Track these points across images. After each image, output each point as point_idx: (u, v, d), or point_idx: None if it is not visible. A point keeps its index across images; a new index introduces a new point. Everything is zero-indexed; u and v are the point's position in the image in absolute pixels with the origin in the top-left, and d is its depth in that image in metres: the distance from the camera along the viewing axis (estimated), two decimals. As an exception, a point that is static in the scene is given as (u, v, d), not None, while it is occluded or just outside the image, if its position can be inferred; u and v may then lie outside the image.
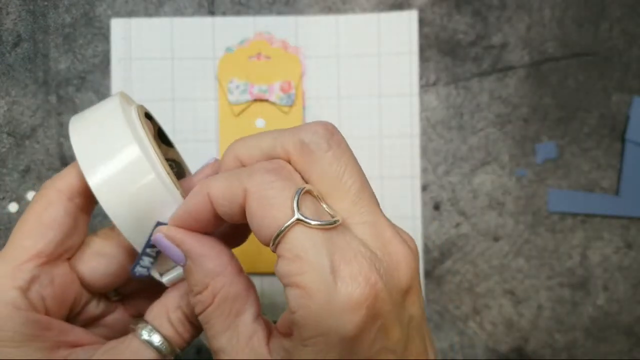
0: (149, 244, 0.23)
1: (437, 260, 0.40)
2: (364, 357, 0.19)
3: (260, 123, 0.39)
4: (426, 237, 0.40)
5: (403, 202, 0.39)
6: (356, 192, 0.21)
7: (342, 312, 0.18)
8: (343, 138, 0.22)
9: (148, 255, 0.23)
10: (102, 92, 0.39)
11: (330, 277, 0.19)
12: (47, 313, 0.24)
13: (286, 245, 0.19)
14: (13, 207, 0.39)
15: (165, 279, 0.24)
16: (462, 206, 0.40)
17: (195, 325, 0.24)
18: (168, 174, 0.23)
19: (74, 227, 0.25)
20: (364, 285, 0.18)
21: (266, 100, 0.39)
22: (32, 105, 0.39)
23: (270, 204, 0.20)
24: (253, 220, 0.20)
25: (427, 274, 0.39)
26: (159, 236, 0.22)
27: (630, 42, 0.40)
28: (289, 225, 0.19)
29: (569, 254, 0.40)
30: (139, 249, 0.23)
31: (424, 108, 0.40)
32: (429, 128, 0.40)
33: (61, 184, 0.25)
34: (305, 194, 0.20)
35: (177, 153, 0.30)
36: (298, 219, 0.19)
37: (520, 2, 0.40)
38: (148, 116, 0.27)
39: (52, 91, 0.39)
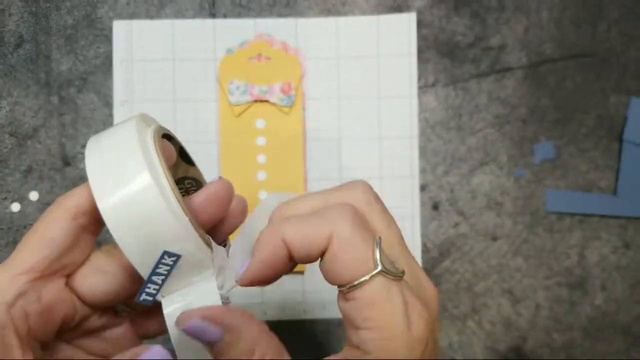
0: (155, 271, 0.23)
1: (436, 259, 0.40)
2: None
3: (260, 124, 0.39)
4: (425, 236, 0.40)
5: (402, 202, 0.40)
6: (399, 241, 0.24)
7: (415, 346, 0.22)
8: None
9: (154, 282, 0.23)
10: (103, 93, 0.40)
11: (405, 320, 0.22)
12: (30, 330, 0.24)
13: (364, 293, 0.22)
14: (15, 207, 0.39)
15: (166, 312, 0.24)
16: (461, 206, 0.40)
17: None
18: (178, 201, 0.23)
19: (74, 245, 0.25)
20: (424, 322, 0.22)
21: (266, 101, 0.39)
22: (34, 106, 0.40)
23: (355, 250, 0.22)
24: (333, 265, 0.22)
25: (426, 274, 0.40)
26: (196, 321, 0.22)
27: (628, 43, 0.40)
28: (373, 275, 0.22)
29: (567, 253, 0.40)
30: (145, 276, 0.23)
31: (422, 109, 0.40)
32: (428, 129, 0.40)
33: (69, 203, 0.25)
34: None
35: (198, 171, 0.30)
36: (381, 271, 0.22)
37: (518, 4, 0.40)
38: (168, 137, 0.27)
39: (54, 92, 0.40)
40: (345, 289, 0.22)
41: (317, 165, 0.40)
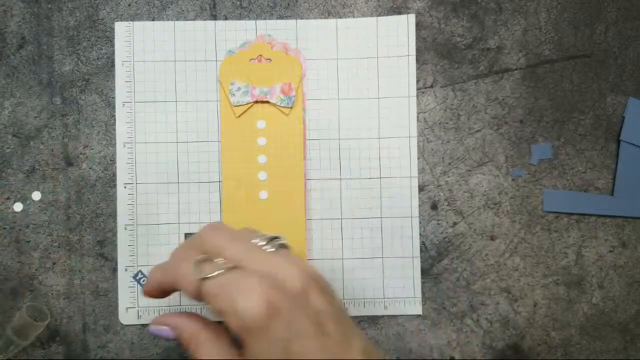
0: None
1: (435, 258, 0.40)
2: (282, 338, 0.26)
3: (261, 124, 0.40)
4: (423, 236, 0.40)
5: (401, 202, 0.40)
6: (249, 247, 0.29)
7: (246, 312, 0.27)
8: None
9: None
10: (105, 94, 0.40)
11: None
12: None
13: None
14: (18, 206, 0.40)
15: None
16: (459, 206, 0.40)
17: None
18: None
19: None
20: (257, 296, 0.26)
21: (267, 102, 0.40)
22: (37, 107, 0.40)
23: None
24: None
25: (425, 272, 0.40)
26: (151, 327, 0.30)
27: (625, 44, 0.41)
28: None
29: (565, 252, 0.40)
30: None
31: (421, 109, 0.40)
32: (427, 129, 0.40)
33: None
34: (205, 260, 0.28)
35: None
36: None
37: (516, 6, 0.41)
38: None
39: (57, 93, 0.40)
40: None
41: (317, 165, 0.40)
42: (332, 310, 0.27)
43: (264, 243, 0.29)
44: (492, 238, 0.40)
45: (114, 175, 0.40)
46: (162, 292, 0.30)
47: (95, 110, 0.40)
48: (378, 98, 0.40)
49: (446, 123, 0.40)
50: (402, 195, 0.40)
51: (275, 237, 0.29)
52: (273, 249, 0.29)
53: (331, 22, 0.40)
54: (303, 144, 0.40)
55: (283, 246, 0.29)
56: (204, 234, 0.29)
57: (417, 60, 0.40)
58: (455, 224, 0.40)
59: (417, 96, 0.40)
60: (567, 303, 0.40)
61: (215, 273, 0.27)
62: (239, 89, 0.40)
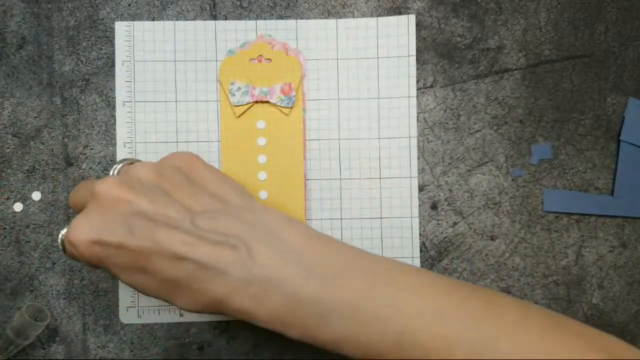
0: None
1: (435, 258, 0.40)
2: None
3: (261, 124, 0.40)
4: (423, 236, 0.40)
5: (401, 202, 0.40)
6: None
7: None
8: None
9: None
10: (105, 94, 0.40)
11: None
12: None
13: None
14: (18, 206, 0.40)
15: None
16: (459, 206, 0.40)
17: None
18: None
19: None
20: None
21: (267, 102, 0.40)
22: (37, 107, 0.40)
23: None
24: None
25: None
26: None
27: (626, 44, 0.41)
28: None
29: (565, 252, 0.40)
30: None
31: (421, 110, 0.40)
32: (427, 129, 0.41)
33: None
34: None
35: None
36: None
37: (516, 6, 0.41)
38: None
39: (57, 93, 0.40)
40: None
41: (317, 165, 0.40)
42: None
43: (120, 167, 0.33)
44: (492, 238, 0.40)
45: (114, 175, 0.40)
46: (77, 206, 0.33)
47: (95, 110, 0.40)
48: (378, 98, 0.40)
49: (446, 123, 0.40)
50: (402, 195, 0.40)
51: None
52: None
53: (331, 22, 0.40)
54: (303, 144, 0.40)
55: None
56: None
57: (417, 60, 0.40)
58: (455, 224, 0.40)
59: (417, 96, 0.40)
60: (567, 303, 0.40)
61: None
62: (239, 89, 0.40)
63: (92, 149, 0.40)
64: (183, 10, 0.40)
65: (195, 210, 0.29)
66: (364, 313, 0.27)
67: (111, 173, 0.33)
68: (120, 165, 0.33)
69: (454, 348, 0.26)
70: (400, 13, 0.40)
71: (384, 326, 0.27)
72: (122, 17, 0.40)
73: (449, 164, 0.40)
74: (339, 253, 0.29)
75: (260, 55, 0.40)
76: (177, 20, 0.40)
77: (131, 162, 0.34)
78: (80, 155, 0.40)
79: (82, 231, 0.28)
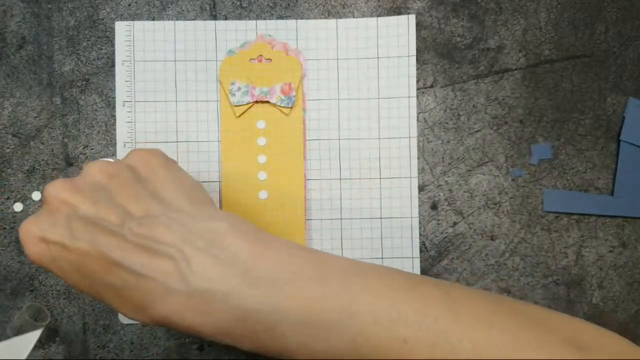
0: None
1: (434, 258, 0.40)
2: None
3: (261, 124, 0.40)
4: (423, 236, 0.40)
5: (401, 202, 0.40)
6: None
7: None
8: None
9: None
10: (105, 94, 0.40)
11: None
12: None
13: None
14: (18, 206, 0.40)
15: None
16: (459, 206, 0.40)
17: None
18: None
19: None
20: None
21: (267, 102, 0.40)
22: (37, 107, 0.40)
23: None
24: None
25: (424, 272, 0.40)
26: None
27: (626, 44, 0.41)
28: None
29: (565, 252, 0.40)
30: None
31: (421, 110, 0.40)
32: (427, 129, 0.41)
33: None
34: None
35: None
36: None
37: (516, 6, 0.41)
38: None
39: (57, 93, 0.40)
40: None
41: (317, 165, 0.40)
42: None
43: None
44: (492, 238, 0.40)
45: (114, 175, 0.40)
46: None
47: (95, 110, 0.40)
48: (378, 98, 0.40)
49: (446, 123, 0.40)
50: (402, 195, 0.40)
51: None
52: None
53: (331, 22, 0.40)
54: (303, 144, 0.40)
55: None
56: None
57: (417, 60, 0.40)
58: (455, 224, 0.40)
59: (417, 96, 0.40)
60: (567, 303, 0.40)
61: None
62: (239, 89, 0.40)
63: (92, 149, 0.40)
64: (183, 10, 0.40)
65: (135, 215, 0.28)
66: (317, 321, 0.26)
67: None
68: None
69: (414, 353, 0.25)
70: (400, 13, 0.40)
71: (339, 333, 0.26)
72: (122, 17, 0.40)
73: (449, 164, 0.40)
74: (291, 259, 0.27)
75: (260, 55, 0.40)
76: (177, 20, 0.40)
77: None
78: (80, 155, 0.40)
79: (29, 229, 0.28)
